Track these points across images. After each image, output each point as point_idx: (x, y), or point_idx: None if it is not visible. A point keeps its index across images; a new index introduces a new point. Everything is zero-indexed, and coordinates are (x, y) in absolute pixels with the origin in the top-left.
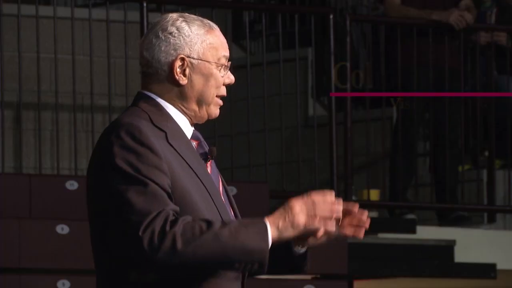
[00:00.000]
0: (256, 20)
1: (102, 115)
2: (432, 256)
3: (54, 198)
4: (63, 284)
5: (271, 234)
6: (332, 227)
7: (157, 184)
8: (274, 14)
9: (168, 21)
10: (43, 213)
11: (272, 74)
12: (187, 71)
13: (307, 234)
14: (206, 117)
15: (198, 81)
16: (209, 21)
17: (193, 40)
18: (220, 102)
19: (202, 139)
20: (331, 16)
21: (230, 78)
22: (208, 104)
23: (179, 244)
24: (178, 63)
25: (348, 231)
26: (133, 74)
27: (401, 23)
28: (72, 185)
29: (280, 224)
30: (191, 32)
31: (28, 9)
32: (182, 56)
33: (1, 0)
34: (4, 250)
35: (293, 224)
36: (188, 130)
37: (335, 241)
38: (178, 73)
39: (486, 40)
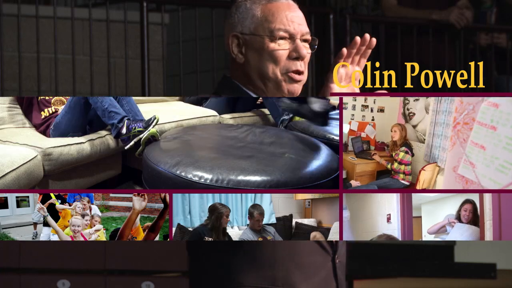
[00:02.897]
0: None
1: None
2: (432, 256)
3: None
4: (63, 284)
5: None
6: None
7: None
8: None
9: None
10: None
11: None
12: (243, 49)
13: None
14: (280, 95)
15: (252, 56)
16: None
17: (244, 16)
18: (295, 77)
19: None
20: (331, 16)
21: (299, 52)
22: (273, 80)
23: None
24: (231, 41)
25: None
26: (133, 74)
27: (401, 23)
28: None
29: None
30: (245, 8)
31: (28, 9)
32: (234, 33)
33: (1, 0)
34: (4, 250)
35: None
36: None
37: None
38: (235, 52)
39: (486, 42)
